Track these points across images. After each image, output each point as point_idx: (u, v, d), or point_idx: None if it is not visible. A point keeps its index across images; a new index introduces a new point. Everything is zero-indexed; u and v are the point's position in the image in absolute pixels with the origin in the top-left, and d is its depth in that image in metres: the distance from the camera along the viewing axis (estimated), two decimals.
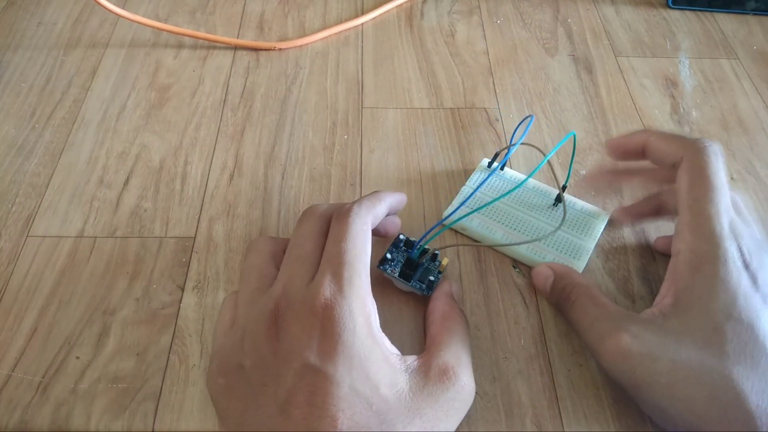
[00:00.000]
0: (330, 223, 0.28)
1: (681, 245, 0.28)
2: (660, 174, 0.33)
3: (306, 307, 0.25)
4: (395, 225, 0.33)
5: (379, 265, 0.31)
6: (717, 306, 0.25)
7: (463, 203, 0.33)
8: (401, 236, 0.33)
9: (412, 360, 0.26)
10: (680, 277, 0.27)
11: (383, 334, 0.26)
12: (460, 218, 0.33)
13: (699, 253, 0.27)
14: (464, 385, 0.26)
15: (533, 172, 0.31)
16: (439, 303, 0.30)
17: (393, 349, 0.26)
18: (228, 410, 0.25)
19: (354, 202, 0.28)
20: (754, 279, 0.26)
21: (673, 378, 0.25)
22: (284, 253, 0.29)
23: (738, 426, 0.24)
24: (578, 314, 0.29)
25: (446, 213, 0.35)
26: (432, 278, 0.31)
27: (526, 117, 0.39)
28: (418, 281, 0.31)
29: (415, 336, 0.31)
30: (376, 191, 0.31)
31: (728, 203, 0.28)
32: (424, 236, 0.31)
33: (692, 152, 0.29)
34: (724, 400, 0.24)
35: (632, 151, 0.32)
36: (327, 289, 0.25)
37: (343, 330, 0.24)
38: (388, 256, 0.32)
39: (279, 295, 0.26)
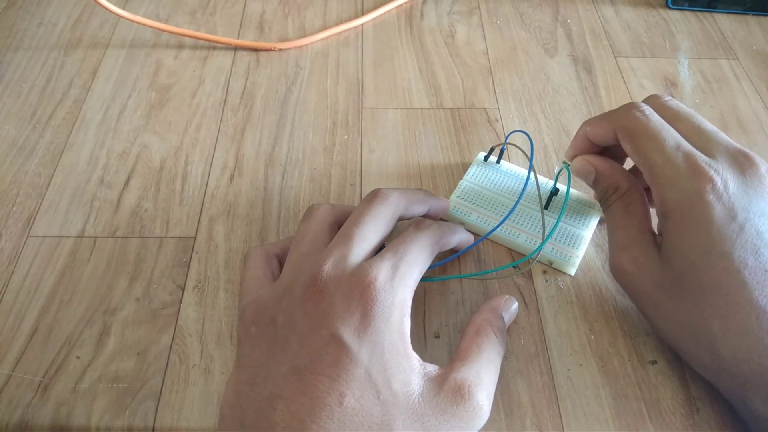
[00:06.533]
0: (396, 217, 0.30)
1: (654, 198, 0.29)
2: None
3: (354, 281, 0.25)
4: (467, 242, 0.33)
5: None
6: (690, 246, 0.27)
7: (465, 199, 0.33)
8: None
9: (432, 368, 0.26)
10: (660, 225, 0.29)
11: (410, 339, 0.26)
12: (493, 230, 0.34)
13: (665, 202, 0.28)
14: (477, 407, 0.25)
15: (527, 180, 0.31)
16: (478, 316, 0.30)
17: (415, 354, 0.26)
18: (249, 358, 0.26)
19: (437, 223, 0.31)
20: (729, 207, 0.26)
21: (656, 297, 0.28)
22: (341, 224, 0.29)
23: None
24: (609, 219, 0.31)
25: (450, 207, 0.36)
26: None
27: (524, 132, 0.39)
28: None
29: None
30: (450, 224, 0.32)
31: (674, 140, 0.28)
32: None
33: (619, 122, 0.30)
34: (689, 327, 0.27)
35: (591, 149, 0.33)
36: (382, 273, 0.26)
37: (378, 315, 0.25)
38: None
39: (329, 262, 0.26)
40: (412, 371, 0.25)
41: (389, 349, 0.25)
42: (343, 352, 0.24)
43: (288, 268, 0.28)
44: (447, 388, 0.25)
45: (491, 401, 0.26)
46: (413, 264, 0.27)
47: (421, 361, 0.26)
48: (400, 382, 0.24)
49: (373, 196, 0.29)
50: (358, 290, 0.25)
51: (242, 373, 0.26)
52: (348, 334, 0.24)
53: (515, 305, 0.31)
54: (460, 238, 0.32)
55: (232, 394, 0.25)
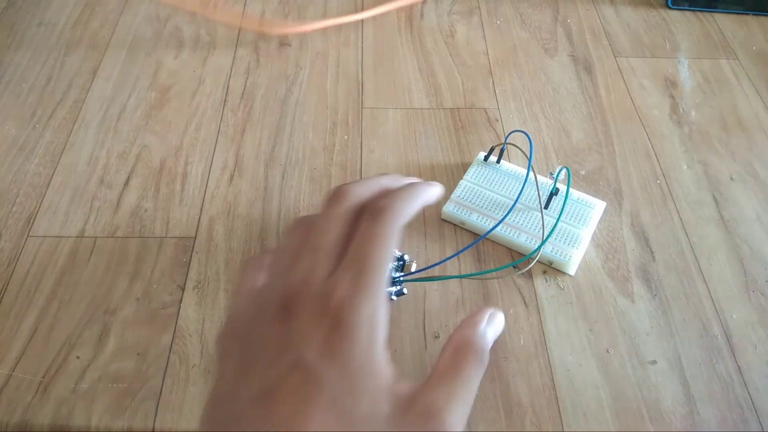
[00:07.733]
0: (359, 211, 0.27)
1: None
2: None
3: (318, 303, 0.24)
4: None
5: None
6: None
7: (464, 199, 0.33)
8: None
9: (404, 387, 0.25)
10: None
11: (385, 349, 0.25)
12: (492, 228, 0.34)
13: None
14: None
15: (525, 179, 0.31)
16: (459, 333, 0.28)
17: (389, 369, 0.25)
18: (225, 373, 0.25)
19: (390, 198, 0.27)
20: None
21: None
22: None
23: None
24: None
25: (445, 209, 0.36)
26: (395, 286, 0.31)
27: (523, 132, 0.39)
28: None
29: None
30: (414, 183, 0.29)
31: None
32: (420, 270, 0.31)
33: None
34: None
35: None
36: (344, 291, 0.24)
37: (345, 337, 0.24)
38: None
39: (296, 281, 0.25)
40: (379, 392, 0.24)
41: (355, 371, 0.23)
42: (308, 376, 0.23)
43: (266, 286, 0.28)
44: (415, 412, 0.24)
45: (464, 424, 0.25)
46: (375, 271, 0.25)
47: (394, 378, 0.24)
48: (367, 404, 0.23)
49: (333, 195, 0.27)
50: (322, 313, 0.24)
51: (215, 389, 0.25)
52: (313, 358, 0.23)
53: (500, 317, 0.29)
54: (425, 200, 0.28)
55: (204, 411, 0.25)
